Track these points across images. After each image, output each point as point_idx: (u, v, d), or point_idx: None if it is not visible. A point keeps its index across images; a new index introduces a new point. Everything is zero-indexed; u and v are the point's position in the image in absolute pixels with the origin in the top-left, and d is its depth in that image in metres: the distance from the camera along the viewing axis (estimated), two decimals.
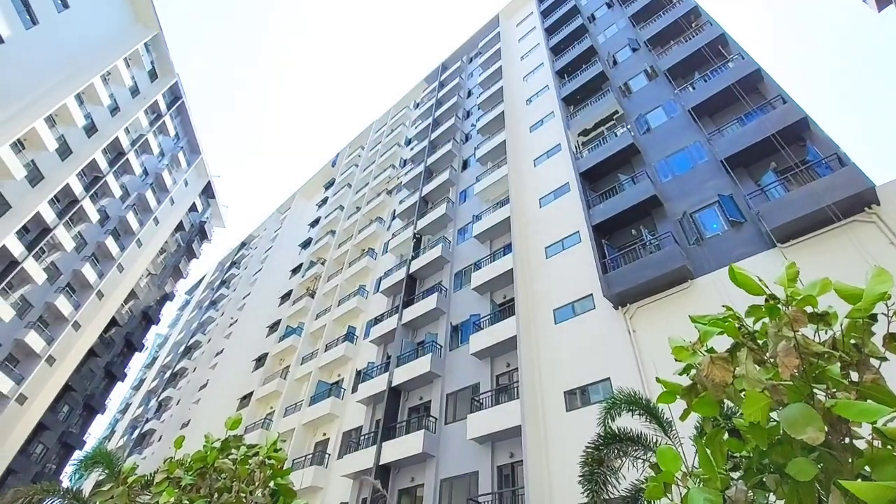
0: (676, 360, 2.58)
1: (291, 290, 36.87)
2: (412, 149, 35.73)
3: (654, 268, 14.35)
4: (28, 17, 26.28)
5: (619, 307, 15.09)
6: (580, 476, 8.45)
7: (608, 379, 13.92)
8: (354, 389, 22.84)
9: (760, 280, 2.41)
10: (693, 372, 2.53)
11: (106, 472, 8.64)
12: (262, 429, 26.44)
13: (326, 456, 21.82)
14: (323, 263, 35.44)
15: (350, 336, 26.33)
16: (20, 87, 26.23)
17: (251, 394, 30.87)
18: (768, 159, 15.07)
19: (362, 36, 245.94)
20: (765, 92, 16.83)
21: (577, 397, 14.43)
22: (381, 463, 17.68)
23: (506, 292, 19.89)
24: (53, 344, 32.01)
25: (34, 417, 31.98)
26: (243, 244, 60.85)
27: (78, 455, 33.05)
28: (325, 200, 45.60)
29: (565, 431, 13.81)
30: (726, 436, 2.56)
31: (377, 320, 24.78)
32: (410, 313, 22.25)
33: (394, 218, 31.69)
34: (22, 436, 31.12)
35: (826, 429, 2.04)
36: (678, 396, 2.62)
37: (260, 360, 33.74)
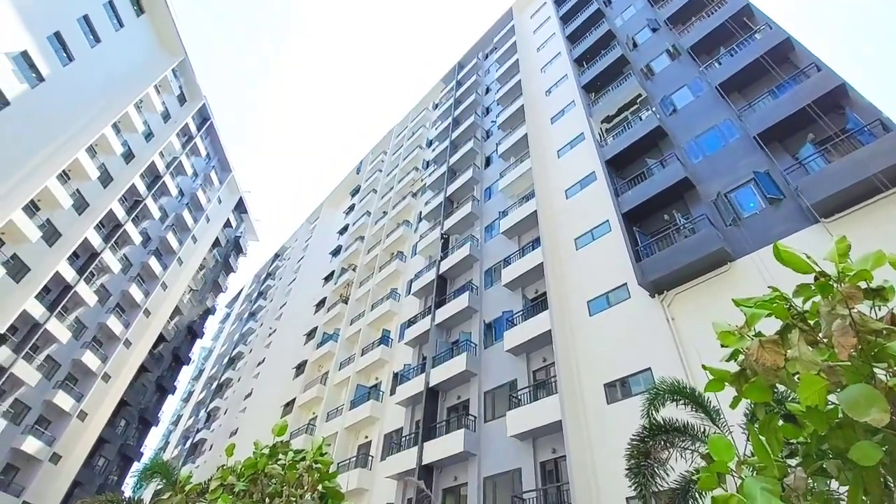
0: (723, 346, 2.49)
1: (325, 298, 37.61)
2: (434, 150, 35.83)
3: (690, 252, 13.90)
4: (65, 55, 27.82)
5: (656, 295, 14.70)
6: (627, 469, 8.28)
7: (649, 369, 13.58)
8: (393, 392, 23.10)
9: (808, 257, 2.30)
10: (741, 357, 2.44)
11: (164, 481, 9.06)
12: (306, 434, 27.09)
13: (369, 458, 22.15)
14: (354, 269, 35.98)
15: (385, 339, 26.64)
16: (62, 120, 27.79)
17: (293, 400, 31.66)
18: (805, 131, 14.37)
19: (377, 42, 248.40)
20: (796, 61, 16.04)
21: (617, 389, 14.15)
22: (423, 463, 17.81)
23: (537, 287, 19.70)
24: (108, 362, 33.76)
25: (95, 432, 33.80)
26: (277, 256, 62.51)
27: (137, 466, 34.72)
28: (351, 207, 46.30)
29: (608, 424, 13.56)
30: (781, 422, 2.46)
31: (410, 322, 24.98)
32: (443, 313, 22.33)
33: (420, 220, 31.86)
34: (85, 450, 32.94)
35: (890, 409, 1.93)
36: (727, 384, 2.53)
37: (300, 368, 34.57)
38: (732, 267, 13.55)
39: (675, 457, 7.93)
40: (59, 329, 29.28)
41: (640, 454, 8.27)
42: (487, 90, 36.41)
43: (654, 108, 19.72)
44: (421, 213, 31.85)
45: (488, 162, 29.77)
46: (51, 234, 28.30)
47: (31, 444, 27.93)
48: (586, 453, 13.43)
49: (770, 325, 2.41)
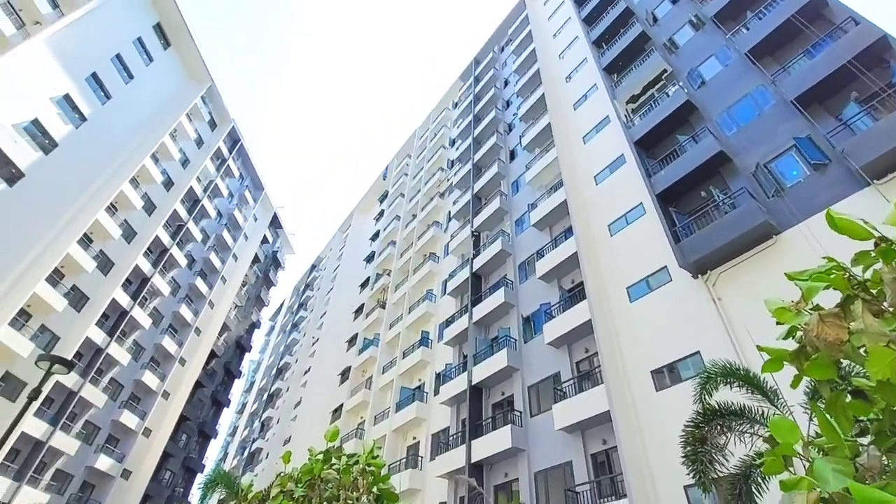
0: (778, 324, 2.38)
1: (363, 304, 38.27)
2: (457, 148, 35.84)
3: (732, 228, 13.34)
4: (102, 94, 29.47)
5: (699, 276, 14.19)
6: (683, 457, 8.04)
7: (698, 353, 13.13)
8: (436, 392, 23.26)
9: (865, 222, 2.17)
10: (799, 334, 2.32)
11: (226, 490, 9.46)
12: (355, 438, 27.65)
13: (419, 459, 22.38)
14: (389, 274, 36.44)
15: (425, 341, 26.86)
16: (105, 156, 29.46)
17: (341, 406, 32.38)
18: (847, 90, 13.54)
19: (393, 48, 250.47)
20: (831, 17, 15.11)
21: (665, 376, 13.74)
22: (472, 461, 17.85)
23: (573, 277, 19.39)
24: (166, 380, 35.54)
25: (159, 447, 35.65)
26: (314, 267, 64.09)
27: (201, 478, 36.38)
28: (381, 213, 46.90)
29: (658, 412, 13.19)
30: (849, 398, 2.33)
31: (448, 322, 25.08)
32: (480, 311, 22.31)
33: (450, 220, 31.93)
34: (152, 465, 34.79)
35: None
36: (786, 363, 2.41)
37: (344, 374, 35.32)
38: (778, 240, 12.91)
39: (733, 441, 7.64)
40: (120, 352, 31.03)
41: (696, 440, 8.00)
42: (506, 83, 36.10)
43: (681, 83, 19.04)
44: (450, 212, 31.92)
45: (513, 155, 29.52)
46: (104, 264, 30.05)
47: (104, 462, 29.73)
48: (638, 443, 13.12)
49: (828, 298, 2.29)
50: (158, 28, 34.69)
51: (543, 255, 20.52)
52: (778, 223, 13.00)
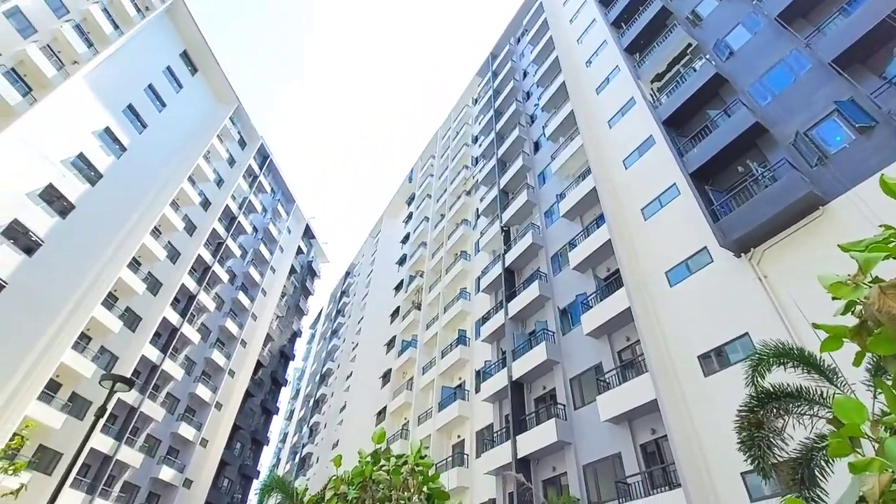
0: (834, 299, 2.26)
1: (399, 307, 38.70)
2: (480, 145, 35.72)
3: (774, 202, 12.74)
4: (139, 123, 31.02)
5: (742, 254, 13.63)
6: (738, 442, 7.75)
7: (746, 334, 12.62)
8: (477, 390, 23.28)
9: None
10: (858, 308, 2.20)
11: (282, 495, 9.79)
12: (401, 439, 28.02)
13: (465, 456, 22.47)
14: (422, 275, 36.71)
15: (462, 339, 26.92)
16: (146, 182, 30.98)
17: (384, 408, 32.87)
18: (889, 46, 12.68)
19: (408, 52, 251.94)
20: None
21: (713, 360, 13.28)
22: (518, 456, 17.78)
23: (608, 265, 19.01)
24: (217, 392, 37.05)
25: (216, 456, 37.20)
26: (348, 273, 65.31)
27: (256, 484, 37.60)
28: (410, 216, 47.28)
29: (708, 398, 12.76)
30: None
31: (484, 319, 25.04)
32: (515, 306, 22.18)
33: (478, 217, 31.88)
34: (211, 473, 36.35)
35: None
36: (845, 340, 2.29)
37: (385, 377, 35.84)
38: (826, 210, 12.24)
39: (791, 425, 7.31)
40: (174, 368, 32.57)
41: (752, 425, 7.69)
42: (525, 74, 35.70)
43: (707, 56, 18.33)
44: (478, 209, 31.86)
45: (537, 147, 29.18)
46: (153, 285, 31.60)
47: (167, 473, 31.29)
48: (689, 430, 12.73)
49: (887, 269, 2.18)
50: (185, 56, 36.20)
51: (576, 245, 20.21)
52: (824, 193, 12.33)
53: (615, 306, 16.38)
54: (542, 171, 26.96)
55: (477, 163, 35.94)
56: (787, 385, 7.58)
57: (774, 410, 7.61)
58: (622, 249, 17.40)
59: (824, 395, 7.19)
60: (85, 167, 26.70)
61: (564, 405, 17.79)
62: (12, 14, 24.05)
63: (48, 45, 25.69)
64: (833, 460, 6.65)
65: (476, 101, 42.82)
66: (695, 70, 18.68)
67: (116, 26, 29.93)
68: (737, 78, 16.79)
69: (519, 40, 39.63)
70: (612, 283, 17.89)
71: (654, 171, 18.20)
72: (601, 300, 17.44)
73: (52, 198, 24.69)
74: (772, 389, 7.66)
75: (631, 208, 18.57)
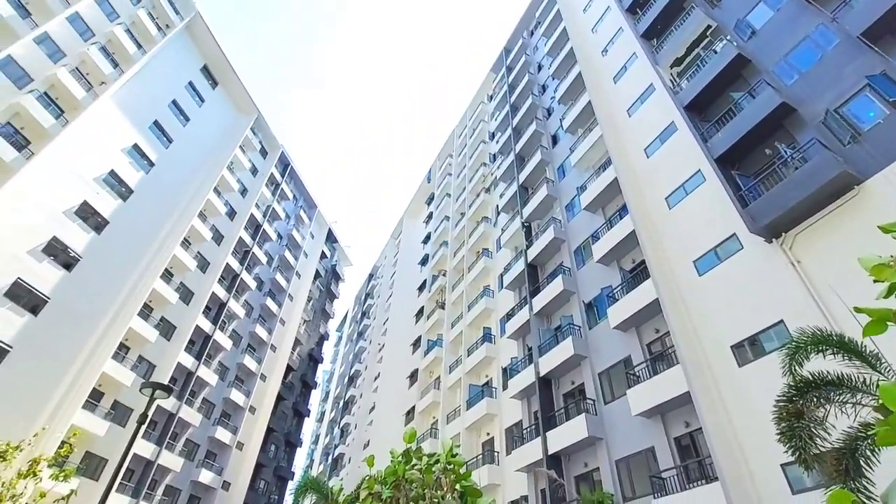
0: (875, 281, 2.18)
1: (423, 307, 38.89)
2: (497, 141, 35.56)
3: (806, 184, 12.29)
4: (165, 139, 32.06)
5: (773, 240, 13.20)
6: (778, 433, 7.53)
7: (781, 322, 12.23)
8: (505, 387, 23.22)
9: None
10: None
11: (317, 495, 10.01)
12: (430, 438, 28.18)
13: (495, 454, 22.45)
14: (444, 275, 36.80)
15: (487, 337, 26.89)
16: (174, 195, 31.99)
17: (413, 408, 33.11)
18: None
19: (420, 51, 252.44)
20: None
21: (747, 349, 12.92)
22: (549, 453, 17.67)
23: (633, 256, 18.69)
24: (251, 396, 38.00)
25: (252, 459, 38.17)
26: (371, 276, 65.98)
27: (292, 485, 38.32)
28: (430, 216, 47.43)
29: (743, 388, 12.43)
30: None
31: (509, 316, 24.95)
32: (539, 301, 22.03)
33: (498, 213, 31.76)
34: (247, 476, 37.32)
35: None
36: (889, 323, 2.20)
37: (412, 377, 36.09)
38: (861, 190, 11.75)
39: (833, 414, 7.06)
40: (208, 374, 33.55)
41: (791, 415, 7.46)
42: (539, 67, 35.34)
43: (728, 37, 17.80)
44: (498, 206, 31.74)
45: (555, 140, 28.87)
46: (186, 294, 32.62)
47: (206, 476, 32.27)
48: (725, 422, 12.42)
49: None
50: (205, 70, 37.22)
51: (599, 238, 19.94)
52: (858, 172, 11.83)
53: (642, 298, 16.10)
54: (562, 164, 26.67)
55: (495, 159, 35.79)
56: (828, 373, 7.32)
57: (815, 399, 7.36)
58: (647, 240, 17.08)
59: (867, 382, 6.92)
60: (116, 184, 27.75)
61: (594, 400, 17.59)
62: (42, 40, 25.15)
63: (77, 68, 26.77)
64: (880, 449, 6.41)
65: (491, 97, 42.62)
66: (716, 52, 18.15)
67: (139, 46, 30.96)
68: (760, 58, 16.25)
69: (532, 33, 39.25)
70: (638, 274, 17.59)
71: (677, 159, 17.79)
72: (627, 292, 17.16)
73: (88, 214, 25.76)
74: (811, 378, 7.42)
75: (654, 197, 18.20)
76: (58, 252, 23.96)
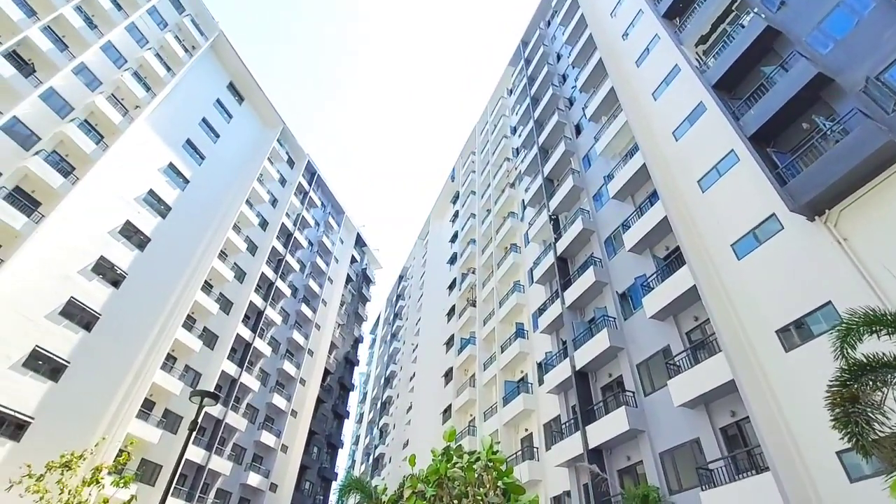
0: None
1: (454, 305, 39.01)
2: (520, 135, 35.28)
3: (848, 157, 11.67)
4: (198, 156, 33.32)
5: (815, 218, 12.61)
6: (832, 419, 7.22)
7: (829, 303, 11.68)
8: (541, 382, 23.05)
9: None
10: None
11: (360, 494, 10.25)
12: (468, 436, 28.27)
13: (535, 450, 22.33)
14: (474, 272, 36.80)
15: (520, 332, 26.74)
16: (209, 210, 33.21)
17: (450, 406, 33.28)
18: None
19: (436, 51, 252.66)
20: None
21: (793, 334, 12.39)
22: (590, 447, 17.44)
23: (667, 243, 18.22)
24: (292, 400, 39.06)
25: (296, 461, 39.22)
26: (401, 277, 66.62)
27: (335, 485, 39.03)
28: (456, 214, 47.50)
29: (792, 374, 11.94)
30: None
31: (541, 310, 24.74)
32: (571, 294, 21.76)
33: (525, 208, 31.51)
34: (293, 477, 38.39)
35: None
36: None
37: (447, 375, 36.27)
38: None
39: (891, 397, 6.73)
40: (251, 380, 34.69)
41: (845, 400, 7.14)
42: (559, 57, 34.82)
43: (755, 9, 17.06)
44: (524, 200, 31.50)
45: (579, 130, 28.41)
46: (225, 304, 33.81)
47: (254, 478, 33.38)
48: (773, 410, 11.96)
49: None
50: (231, 87, 38.47)
51: (630, 226, 19.52)
52: None
53: (678, 286, 15.69)
54: (587, 153, 26.22)
55: (518, 153, 35.51)
56: (883, 354, 6.98)
57: (870, 383, 7.04)
58: (681, 225, 16.61)
59: None
60: (155, 202, 29.04)
61: (633, 392, 17.26)
62: (80, 71, 26.54)
63: (112, 94, 28.13)
64: None
65: (511, 91, 42.28)
66: (743, 27, 17.44)
67: (169, 68, 32.24)
68: (791, 28, 15.52)
69: (549, 23, 38.70)
70: (673, 261, 17.14)
71: (708, 140, 17.21)
72: (662, 281, 16.75)
73: (131, 233, 27.07)
74: (865, 360, 7.10)
75: (686, 181, 17.68)
76: (105, 270, 25.26)
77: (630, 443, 16.81)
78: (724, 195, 15.89)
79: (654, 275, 17.69)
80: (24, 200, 22.62)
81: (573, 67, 30.54)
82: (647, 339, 17.53)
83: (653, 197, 19.10)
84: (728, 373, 12.92)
